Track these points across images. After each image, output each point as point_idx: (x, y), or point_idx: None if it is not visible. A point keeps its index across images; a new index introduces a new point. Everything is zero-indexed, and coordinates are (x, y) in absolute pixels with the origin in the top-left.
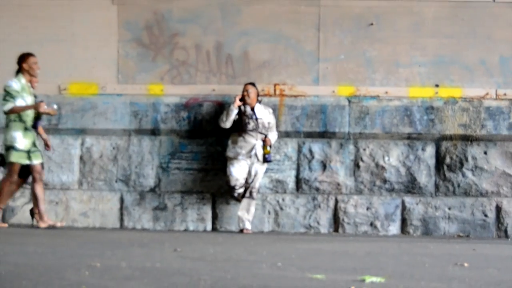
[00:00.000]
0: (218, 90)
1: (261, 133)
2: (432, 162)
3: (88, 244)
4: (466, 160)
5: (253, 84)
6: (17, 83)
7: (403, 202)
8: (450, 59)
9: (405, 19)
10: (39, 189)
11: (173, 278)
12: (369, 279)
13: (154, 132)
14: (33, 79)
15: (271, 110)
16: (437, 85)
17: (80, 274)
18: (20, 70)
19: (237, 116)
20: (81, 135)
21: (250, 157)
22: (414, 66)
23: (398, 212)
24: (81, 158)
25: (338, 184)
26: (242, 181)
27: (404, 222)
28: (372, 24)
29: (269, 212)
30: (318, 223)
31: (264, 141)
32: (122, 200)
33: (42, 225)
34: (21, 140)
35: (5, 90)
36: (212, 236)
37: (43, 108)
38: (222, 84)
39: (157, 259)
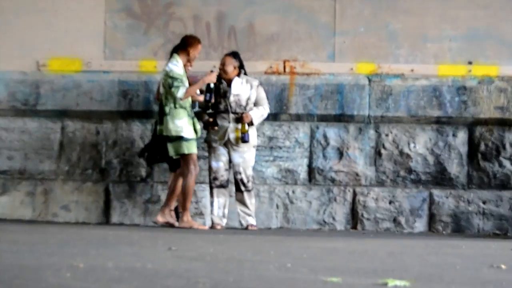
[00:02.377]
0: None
1: (234, 113)
2: (464, 149)
3: (69, 242)
4: (504, 147)
5: (233, 54)
6: (179, 67)
7: (431, 195)
8: (485, 33)
9: None
10: (190, 182)
11: (167, 281)
12: (391, 282)
13: (146, 114)
14: (188, 64)
15: (256, 83)
16: (470, 62)
17: (61, 275)
18: (178, 51)
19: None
20: (62, 117)
21: (225, 144)
22: (444, 41)
23: (425, 206)
24: (62, 144)
25: (357, 175)
26: (223, 172)
27: (432, 218)
28: None
29: (277, 206)
30: (333, 218)
31: (240, 117)
32: (108, 192)
33: (160, 219)
34: (187, 128)
35: (169, 76)
36: (212, 233)
37: (215, 76)
38: None
39: (148, 259)
